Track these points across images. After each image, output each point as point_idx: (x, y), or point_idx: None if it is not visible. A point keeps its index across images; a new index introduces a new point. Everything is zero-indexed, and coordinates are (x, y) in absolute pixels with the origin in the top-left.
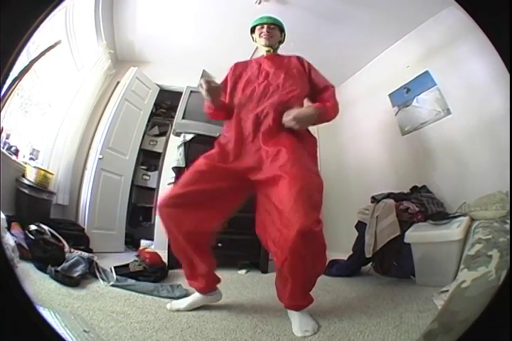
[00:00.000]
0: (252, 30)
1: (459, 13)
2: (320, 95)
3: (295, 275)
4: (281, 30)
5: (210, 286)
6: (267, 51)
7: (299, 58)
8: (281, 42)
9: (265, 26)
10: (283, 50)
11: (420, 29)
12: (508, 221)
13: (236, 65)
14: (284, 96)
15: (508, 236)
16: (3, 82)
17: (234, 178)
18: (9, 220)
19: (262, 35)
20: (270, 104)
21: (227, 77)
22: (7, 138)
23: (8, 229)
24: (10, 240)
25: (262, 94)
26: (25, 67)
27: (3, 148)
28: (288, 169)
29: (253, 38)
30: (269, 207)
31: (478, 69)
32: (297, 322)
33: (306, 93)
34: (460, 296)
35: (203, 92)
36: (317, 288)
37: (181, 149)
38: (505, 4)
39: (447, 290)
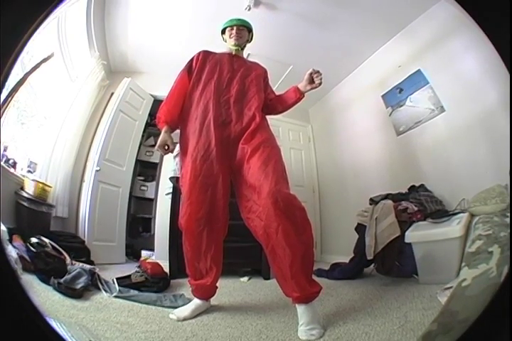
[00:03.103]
0: (223, 32)
1: (449, 9)
2: (276, 97)
3: (289, 242)
4: (249, 30)
5: (214, 292)
6: (236, 50)
7: (264, 69)
8: (248, 41)
9: (235, 28)
10: None
11: (410, 27)
12: (509, 214)
13: (204, 54)
14: (257, 99)
15: (509, 231)
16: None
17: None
18: (10, 232)
19: (231, 36)
20: (249, 104)
21: (192, 63)
22: (4, 150)
23: (10, 241)
24: (12, 252)
25: (241, 85)
26: (20, 79)
27: (1, 160)
28: (257, 149)
29: (223, 38)
30: (246, 191)
31: (471, 65)
32: (305, 322)
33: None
34: (460, 295)
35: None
36: (320, 291)
37: (177, 159)
38: (505, 4)
39: (451, 287)
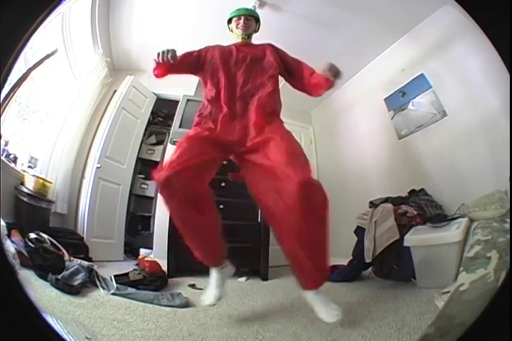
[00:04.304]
0: (229, 21)
1: (453, 13)
2: (304, 73)
3: (312, 228)
4: (257, 21)
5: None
6: (243, 38)
7: (271, 46)
8: (255, 31)
9: (242, 18)
10: None
11: (414, 31)
12: (508, 220)
13: (214, 48)
14: (265, 79)
15: (508, 236)
16: (1, 87)
17: (219, 150)
18: (9, 227)
19: (239, 26)
20: (254, 87)
21: (202, 54)
22: (5, 145)
23: (9, 236)
24: (10, 247)
25: (247, 77)
26: (23, 74)
27: (1, 155)
28: (277, 132)
29: (229, 28)
30: (260, 172)
31: (474, 70)
32: (322, 306)
33: (278, 74)
34: (458, 300)
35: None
36: None
37: None
38: (505, 4)
39: (449, 291)
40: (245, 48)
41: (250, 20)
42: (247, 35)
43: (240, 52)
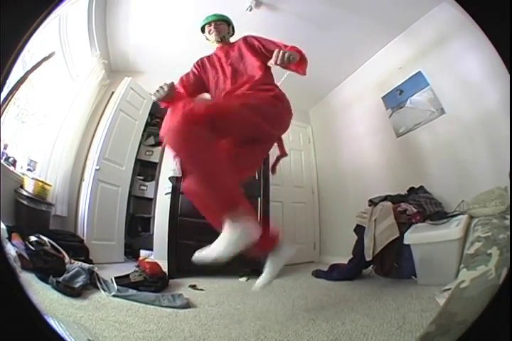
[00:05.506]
0: (203, 31)
1: (450, 11)
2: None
3: None
4: (229, 24)
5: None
6: (218, 42)
7: (246, 40)
8: (229, 34)
9: (212, 24)
10: None
11: (411, 29)
12: (508, 216)
13: (202, 60)
14: (248, 77)
15: (508, 233)
16: (0, 90)
17: None
18: (9, 231)
19: (211, 32)
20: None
21: (198, 71)
22: (4, 148)
23: (9, 239)
24: (11, 250)
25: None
26: (21, 77)
27: (1, 158)
28: None
29: (205, 37)
30: None
31: (471, 67)
32: None
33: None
34: (459, 297)
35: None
36: (319, 292)
37: (177, 160)
38: (505, 4)
39: (450, 288)
40: (224, 53)
41: (221, 24)
42: (221, 38)
43: (224, 57)
